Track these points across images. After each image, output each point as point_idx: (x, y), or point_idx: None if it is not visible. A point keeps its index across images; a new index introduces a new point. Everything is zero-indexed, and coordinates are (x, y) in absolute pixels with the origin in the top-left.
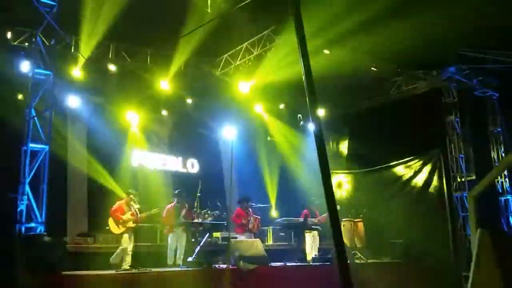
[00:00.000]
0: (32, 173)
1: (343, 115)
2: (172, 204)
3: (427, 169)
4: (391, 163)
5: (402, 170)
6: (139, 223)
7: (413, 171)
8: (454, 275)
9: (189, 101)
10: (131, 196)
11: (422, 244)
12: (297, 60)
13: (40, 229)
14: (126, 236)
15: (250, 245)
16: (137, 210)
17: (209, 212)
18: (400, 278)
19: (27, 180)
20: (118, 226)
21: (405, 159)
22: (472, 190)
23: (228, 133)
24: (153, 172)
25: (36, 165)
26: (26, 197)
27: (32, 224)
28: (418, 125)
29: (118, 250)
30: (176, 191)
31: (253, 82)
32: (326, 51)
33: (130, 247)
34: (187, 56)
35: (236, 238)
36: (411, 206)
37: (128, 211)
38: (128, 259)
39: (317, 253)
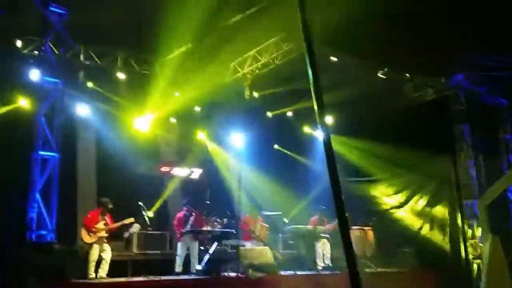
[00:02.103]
0: (42, 181)
1: (351, 122)
2: (182, 212)
3: (437, 176)
4: (401, 171)
5: (412, 178)
6: (112, 232)
7: (423, 179)
8: (466, 284)
9: (197, 108)
10: (109, 206)
11: (433, 252)
12: (304, 67)
13: (51, 236)
14: (95, 247)
15: (259, 253)
16: (147, 217)
17: (218, 220)
18: (410, 287)
19: (38, 188)
20: (90, 235)
21: (415, 167)
22: (483, 197)
23: (236, 141)
24: (161, 180)
25: (47, 173)
26: (36, 204)
27: (43, 232)
28: (427, 133)
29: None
30: (186, 200)
31: (260, 90)
32: (334, 59)
33: (106, 256)
34: (195, 64)
35: (244, 246)
36: (421, 213)
37: (102, 221)
38: (105, 268)
39: (327, 262)
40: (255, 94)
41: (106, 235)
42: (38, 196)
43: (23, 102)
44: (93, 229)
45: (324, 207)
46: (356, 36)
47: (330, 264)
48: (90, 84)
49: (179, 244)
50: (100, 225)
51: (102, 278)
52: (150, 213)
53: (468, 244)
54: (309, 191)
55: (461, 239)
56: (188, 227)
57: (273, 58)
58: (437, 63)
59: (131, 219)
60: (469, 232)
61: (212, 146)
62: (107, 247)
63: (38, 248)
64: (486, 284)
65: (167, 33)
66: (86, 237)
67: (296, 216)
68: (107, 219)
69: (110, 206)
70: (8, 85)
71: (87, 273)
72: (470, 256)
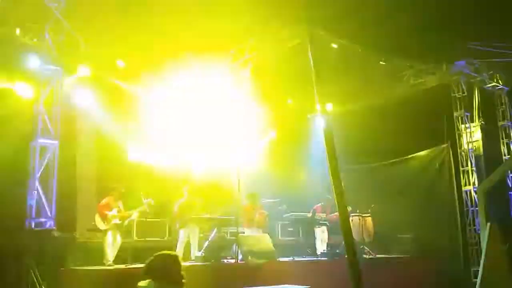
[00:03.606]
0: (42, 168)
1: (351, 110)
2: (184, 199)
3: (436, 163)
4: (400, 158)
5: (411, 165)
6: (125, 220)
7: (422, 166)
8: (464, 270)
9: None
10: (122, 191)
11: (431, 239)
12: (306, 54)
13: (50, 224)
14: (110, 233)
15: (258, 240)
16: (147, 205)
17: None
18: (408, 273)
19: (37, 175)
20: (104, 222)
21: (414, 154)
22: (482, 184)
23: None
24: (161, 168)
25: (46, 160)
26: (36, 192)
27: (42, 219)
28: (427, 120)
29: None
30: (186, 187)
31: (262, 77)
32: (334, 45)
33: (115, 244)
34: (196, 50)
35: (243, 233)
36: (420, 200)
37: (115, 207)
38: (112, 255)
39: (325, 248)
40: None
41: (120, 222)
42: (37, 183)
43: (22, 90)
44: (108, 216)
45: (329, 197)
46: (357, 23)
47: (327, 250)
48: (89, 72)
49: (181, 231)
50: (114, 212)
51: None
52: (152, 201)
53: (466, 231)
54: (310, 179)
55: (459, 226)
56: (193, 214)
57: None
58: (438, 50)
59: (143, 207)
60: (468, 219)
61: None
62: (118, 234)
63: (38, 235)
64: (484, 271)
65: (167, 18)
66: (101, 224)
67: (296, 203)
68: (121, 206)
69: (123, 190)
70: (8, 73)
71: (104, 259)
72: (468, 243)
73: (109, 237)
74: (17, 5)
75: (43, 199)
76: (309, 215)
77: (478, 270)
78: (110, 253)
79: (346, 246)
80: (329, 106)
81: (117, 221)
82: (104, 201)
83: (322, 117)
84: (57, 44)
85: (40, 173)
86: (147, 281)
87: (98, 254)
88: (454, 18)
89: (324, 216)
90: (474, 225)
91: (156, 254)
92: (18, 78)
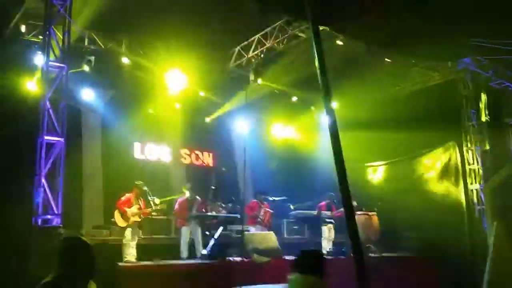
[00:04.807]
0: (48, 166)
1: (357, 107)
2: (184, 197)
3: (442, 161)
4: (407, 156)
5: (417, 163)
6: (146, 216)
7: (428, 164)
8: (471, 269)
9: (202, 94)
10: (143, 188)
11: (437, 238)
12: (310, 52)
13: (57, 221)
14: (129, 230)
15: (264, 238)
16: (152, 202)
17: (222, 205)
18: (415, 272)
19: (43, 173)
20: (123, 219)
21: (420, 152)
22: (489, 182)
23: (242, 126)
24: (167, 165)
25: (52, 157)
26: (42, 189)
27: (49, 216)
28: (433, 118)
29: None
30: (187, 184)
31: (265, 74)
32: (339, 42)
33: (134, 241)
34: (200, 48)
35: (248, 230)
36: (426, 199)
37: (136, 204)
38: (133, 252)
39: (331, 247)
40: (259, 80)
41: (140, 219)
42: (43, 180)
43: (28, 87)
44: (126, 213)
45: (332, 194)
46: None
47: (333, 249)
48: (94, 69)
49: (183, 229)
50: (134, 209)
51: (131, 261)
52: (157, 200)
53: (473, 229)
54: (316, 177)
55: (466, 224)
56: (193, 212)
57: (278, 42)
58: (444, 47)
59: (164, 205)
60: (475, 217)
61: (217, 131)
62: (138, 231)
63: (45, 233)
64: (491, 270)
65: (171, 17)
66: (120, 221)
67: (302, 201)
68: (141, 203)
69: (145, 188)
70: (13, 70)
71: (123, 256)
72: (475, 242)
73: (127, 234)
74: (22, 3)
75: (50, 197)
76: (315, 213)
77: (485, 269)
78: (129, 250)
79: (352, 244)
80: (335, 104)
81: (138, 218)
82: (124, 198)
83: (327, 114)
84: (62, 42)
85: (46, 170)
86: (296, 274)
87: (103, 251)
88: (460, 14)
89: (330, 214)
90: (481, 224)
91: (302, 250)
92: (23, 75)
